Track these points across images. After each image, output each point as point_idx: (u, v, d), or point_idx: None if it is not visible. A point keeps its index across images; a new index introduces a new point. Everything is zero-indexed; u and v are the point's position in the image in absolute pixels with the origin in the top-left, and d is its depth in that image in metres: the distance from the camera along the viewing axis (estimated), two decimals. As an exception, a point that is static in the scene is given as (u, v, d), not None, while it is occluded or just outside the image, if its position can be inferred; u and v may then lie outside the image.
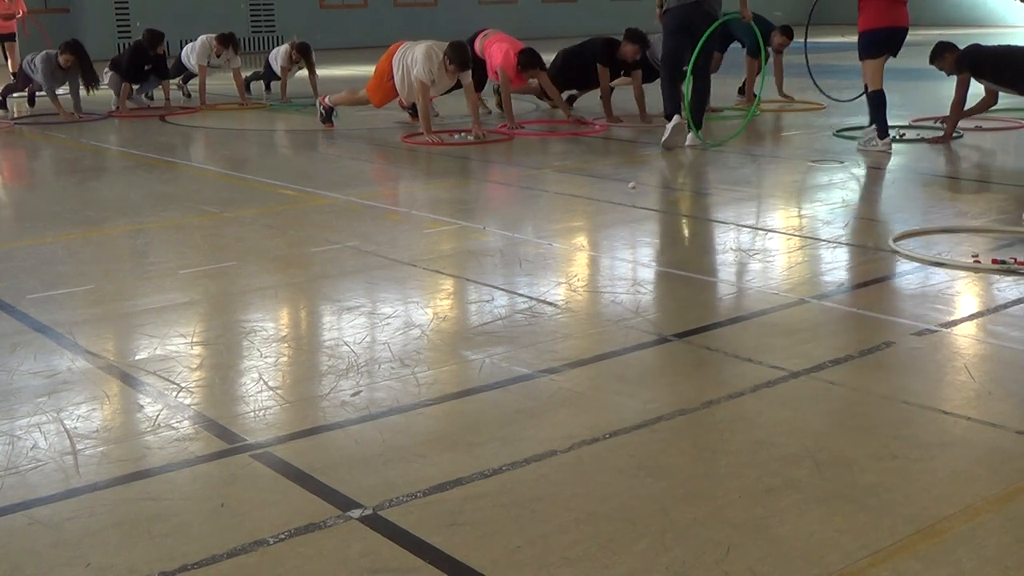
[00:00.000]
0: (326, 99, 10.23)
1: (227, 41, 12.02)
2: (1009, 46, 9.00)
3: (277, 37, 21.83)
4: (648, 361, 3.83)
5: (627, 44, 9.91)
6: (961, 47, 8.57)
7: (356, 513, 2.72)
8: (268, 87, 13.09)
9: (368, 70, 16.15)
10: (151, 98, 12.54)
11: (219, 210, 6.49)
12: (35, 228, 6.17)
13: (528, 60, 9.70)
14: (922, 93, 12.10)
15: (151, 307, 4.54)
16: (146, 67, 11.85)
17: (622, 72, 10.19)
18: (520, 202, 6.80)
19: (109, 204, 6.90)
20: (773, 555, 2.50)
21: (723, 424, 3.27)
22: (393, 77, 9.48)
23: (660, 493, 2.82)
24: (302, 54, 12.25)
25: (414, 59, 9.24)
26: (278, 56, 12.53)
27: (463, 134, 9.43)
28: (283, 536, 2.61)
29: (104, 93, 11.89)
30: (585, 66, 10.15)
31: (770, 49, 10.75)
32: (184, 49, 12.51)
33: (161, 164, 8.69)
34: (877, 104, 8.18)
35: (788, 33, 10.88)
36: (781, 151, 8.57)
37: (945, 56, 8.71)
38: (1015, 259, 4.85)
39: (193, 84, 12.71)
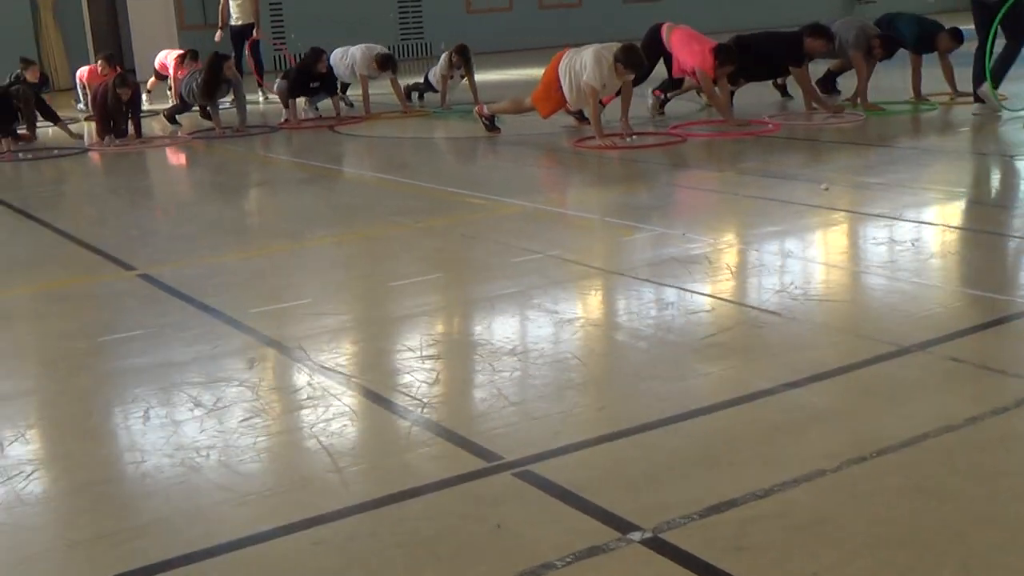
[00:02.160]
0: (483, 108, 10.26)
1: (387, 64, 12.11)
2: None
3: (426, 44, 22.10)
4: (893, 374, 3.70)
5: (815, 40, 9.76)
6: None
7: (636, 536, 2.68)
8: (421, 97, 13.13)
9: (514, 74, 16.30)
10: (318, 110, 12.77)
11: (410, 220, 6.54)
12: (236, 241, 6.32)
13: (726, 56, 9.59)
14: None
15: (372, 320, 4.60)
16: (312, 84, 12.08)
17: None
18: (711, 206, 6.69)
19: (300, 216, 7.03)
20: (1093, 586, 2.37)
21: (993, 442, 3.13)
22: (561, 86, 9.46)
23: (948, 517, 2.71)
24: (461, 55, 12.28)
25: (583, 64, 9.20)
26: (438, 67, 12.58)
27: (634, 137, 9.36)
28: (569, 560, 2.58)
29: (274, 107, 12.17)
30: (767, 58, 10.01)
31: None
32: (334, 55, 12.56)
33: (339, 174, 8.85)
34: None
35: (957, 37, 10.48)
36: (967, 146, 8.25)
37: None
38: None
39: (352, 94, 12.91)
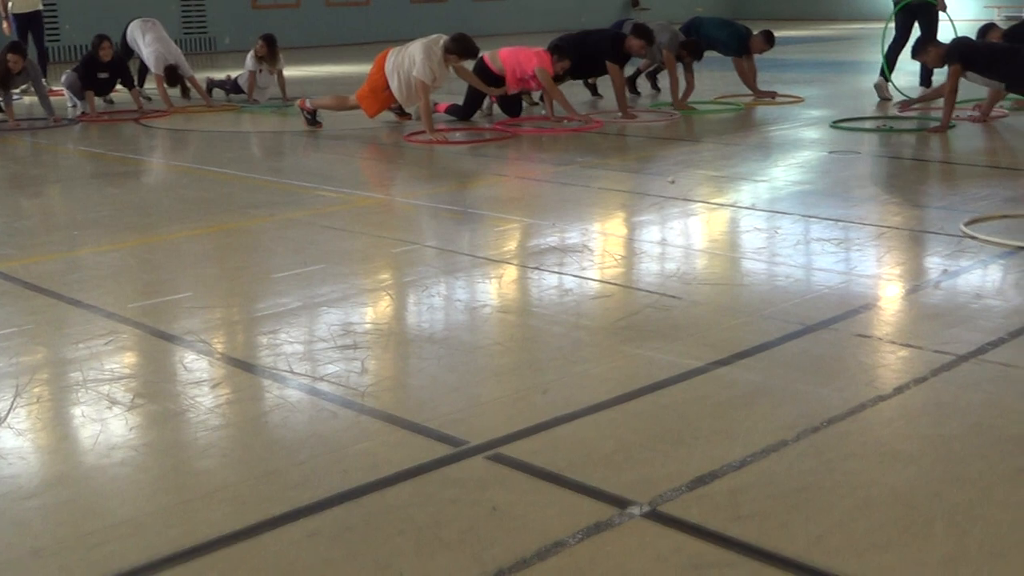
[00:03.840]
0: (306, 102, 10.05)
1: (172, 82, 11.74)
2: (996, 43, 9.32)
3: (209, 39, 21.47)
4: (811, 350, 3.86)
5: (636, 40, 10.00)
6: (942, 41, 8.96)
7: (636, 510, 2.70)
8: (228, 93, 12.66)
9: (304, 71, 16.01)
10: (111, 102, 12.22)
11: (266, 213, 6.34)
12: (85, 236, 5.93)
13: (563, 52, 9.68)
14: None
15: (268, 312, 4.43)
16: (100, 75, 11.53)
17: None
18: (568, 197, 6.76)
19: (146, 210, 6.69)
20: (1074, 532, 2.55)
21: (929, 408, 3.32)
22: (389, 86, 9.39)
23: (918, 478, 2.86)
24: (268, 46, 11.92)
25: (412, 60, 9.16)
26: (245, 70, 12.21)
27: (457, 133, 9.39)
28: (579, 536, 2.58)
29: (57, 99, 11.59)
30: (590, 57, 10.17)
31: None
32: (129, 29, 12.10)
33: (168, 167, 8.49)
34: None
35: (770, 40, 11.04)
36: (794, 143, 8.68)
37: (928, 51, 9.03)
38: None
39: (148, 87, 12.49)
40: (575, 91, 11.37)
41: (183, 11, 21.36)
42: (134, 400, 3.51)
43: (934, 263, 4.93)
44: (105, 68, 11.42)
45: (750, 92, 11.22)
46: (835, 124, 9.32)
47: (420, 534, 2.61)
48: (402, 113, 10.21)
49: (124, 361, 3.91)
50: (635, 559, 2.48)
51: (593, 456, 3.03)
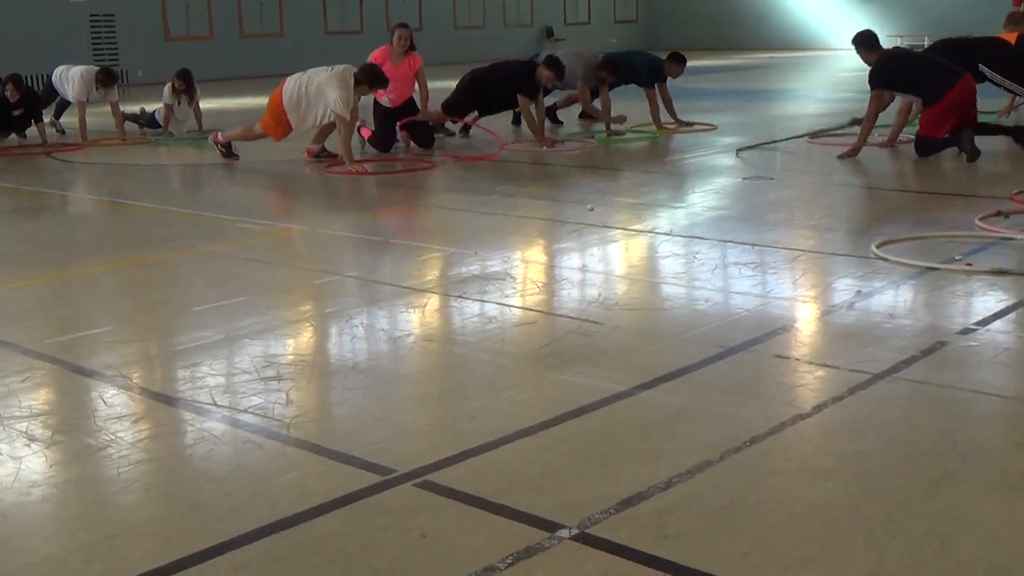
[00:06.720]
0: (219, 136, 9.99)
1: (109, 80, 11.64)
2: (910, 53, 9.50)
3: (122, 71, 21.14)
4: (732, 372, 3.93)
5: (545, 71, 10.09)
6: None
7: (564, 533, 2.72)
8: (142, 127, 12.54)
9: (219, 103, 15.90)
10: (24, 136, 12.02)
11: (185, 246, 6.28)
12: (-5, 272, 5.83)
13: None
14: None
15: (190, 345, 4.38)
16: (15, 112, 11.41)
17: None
18: (488, 226, 6.80)
19: (61, 245, 6.57)
20: (987, 541, 2.63)
21: (847, 425, 3.40)
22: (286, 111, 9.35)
23: (837, 493, 2.92)
24: (184, 80, 11.87)
25: (320, 89, 9.08)
26: (161, 103, 12.12)
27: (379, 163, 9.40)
28: (510, 560, 2.59)
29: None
30: (502, 89, 10.28)
31: None
32: (55, 73, 12.03)
33: (83, 201, 8.35)
34: None
35: (682, 61, 11.24)
36: (709, 170, 8.84)
37: (864, 52, 9.12)
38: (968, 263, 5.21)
39: (65, 120, 12.26)
40: (502, 117, 11.42)
41: (94, 43, 21.10)
42: (53, 436, 3.45)
43: (847, 284, 5.05)
44: (18, 105, 11.31)
45: (670, 121, 11.36)
46: (740, 152, 9.49)
47: (350, 564, 2.61)
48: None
49: (42, 397, 3.84)
50: (565, 581, 2.50)
51: (521, 481, 3.05)
